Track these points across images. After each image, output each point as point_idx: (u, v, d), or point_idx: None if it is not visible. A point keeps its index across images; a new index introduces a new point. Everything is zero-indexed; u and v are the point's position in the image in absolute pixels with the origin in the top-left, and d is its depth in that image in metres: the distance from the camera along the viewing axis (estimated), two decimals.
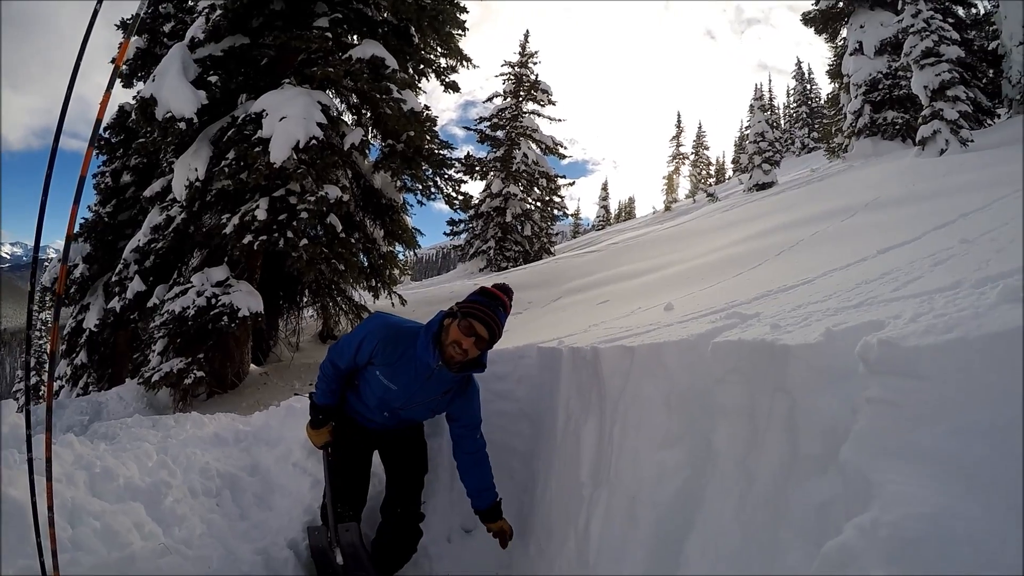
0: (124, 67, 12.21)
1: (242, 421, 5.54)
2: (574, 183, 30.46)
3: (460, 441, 3.41)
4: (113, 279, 12.62)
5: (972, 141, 14.65)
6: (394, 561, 3.65)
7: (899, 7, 17.57)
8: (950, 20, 17.32)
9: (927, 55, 16.03)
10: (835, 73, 25.67)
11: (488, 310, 2.99)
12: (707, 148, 50.85)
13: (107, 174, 16.17)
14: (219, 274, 9.86)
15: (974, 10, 20.41)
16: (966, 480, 0.99)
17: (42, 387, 23.79)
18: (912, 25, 16.52)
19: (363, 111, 11.94)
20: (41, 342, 27.36)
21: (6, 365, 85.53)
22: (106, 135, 16.18)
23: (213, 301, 9.51)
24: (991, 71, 19.11)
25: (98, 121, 2.23)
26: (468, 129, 30.19)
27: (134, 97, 12.03)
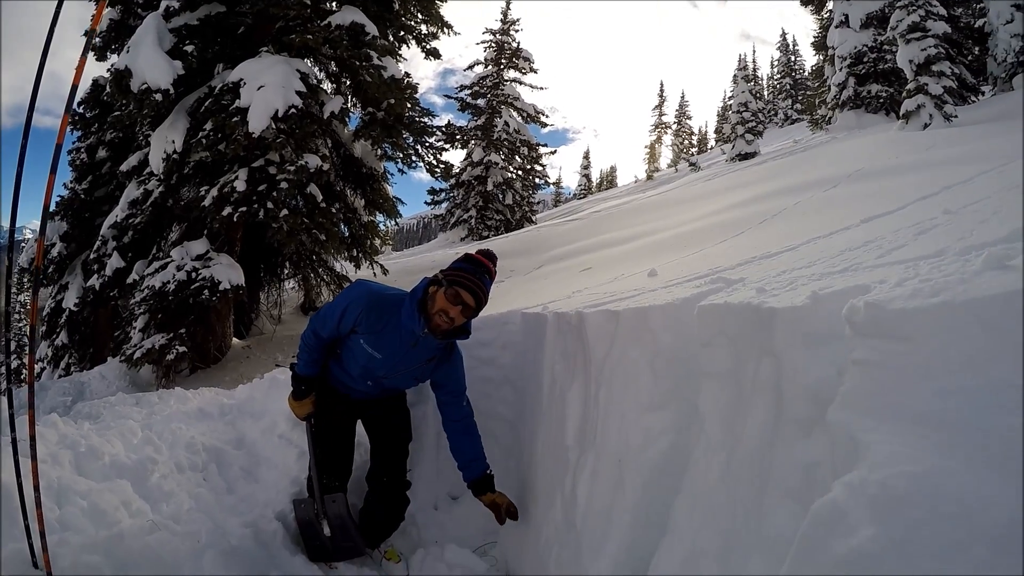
0: (97, 39, 11.94)
1: (226, 395, 5.53)
2: (556, 152, 30.29)
3: (446, 409, 3.41)
4: (91, 256, 12.45)
5: (956, 116, 14.77)
6: (382, 529, 3.67)
7: None
8: None
9: (913, 29, 16.05)
10: (820, 45, 25.70)
11: (474, 277, 2.98)
12: (690, 118, 51.01)
13: (82, 150, 15.89)
14: (199, 247, 9.76)
15: None
16: (952, 438, 1.00)
17: (23, 369, 23.60)
18: None
19: (343, 79, 11.78)
20: (20, 324, 27.04)
21: None
22: (80, 110, 15.88)
23: (193, 275, 9.42)
24: (977, 48, 19.20)
25: (74, 87, 2.18)
26: (448, 97, 29.96)
27: (108, 70, 11.78)
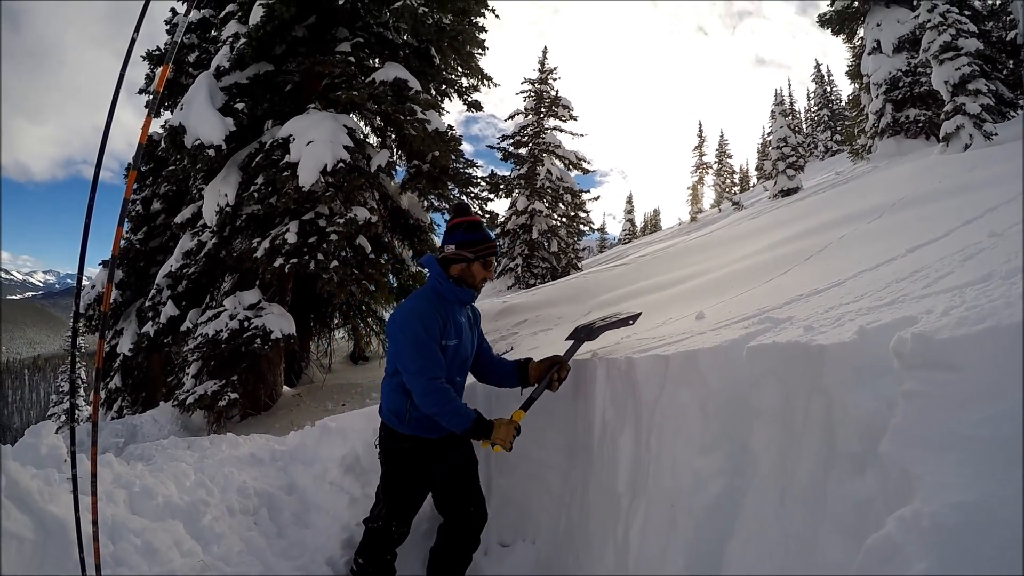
0: (149, 95, 12.50)
1: (277, 441, 5.60)
2: (599, 197, 30.42)
3: (486, 356, 3.64)
4: (146, 304, 12.85)
5: (996, 134, 14.51)
6: (466, 560, 3.66)
7: (915, 3, 17.47)
8: (966, 13, 17.08)
9: (946, 49, 15.89)
10: (854, 73, 25.48)
11: (489, 241, 3.35)
12: (730, 156, 50.71)
13: (137, 202, 16.49)
14: (251, 297, 10.00)
15: (990, 1, 20.14)
16: (1002, 465, 1.00)
17: (77, 410, 24.24)
18: (929, 20, 16.40)
19: (388, 133, 12.07)
20: (76, 366, 27.83)
21: (40, 390, 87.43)
22: (138, 166, 16.50)
23: (246, 324, 9.64)
24: (1011, 62, 18.87)
25: (140, 146, 2.32)
26: (491, 148, 30.18)
27: (162, 126, 12.32)
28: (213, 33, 12.92)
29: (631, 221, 57.82)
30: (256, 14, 9.93)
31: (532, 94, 29.93)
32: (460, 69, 12.89)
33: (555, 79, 30.15)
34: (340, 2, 10.77)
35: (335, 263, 9.68)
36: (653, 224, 67.23)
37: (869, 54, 21.99)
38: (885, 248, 4.73)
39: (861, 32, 23.96)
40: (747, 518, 1.94)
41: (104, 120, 2.30)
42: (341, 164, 9.41)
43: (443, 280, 3.28)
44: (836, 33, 25.39)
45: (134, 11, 2.36)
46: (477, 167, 12.39)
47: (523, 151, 29.13)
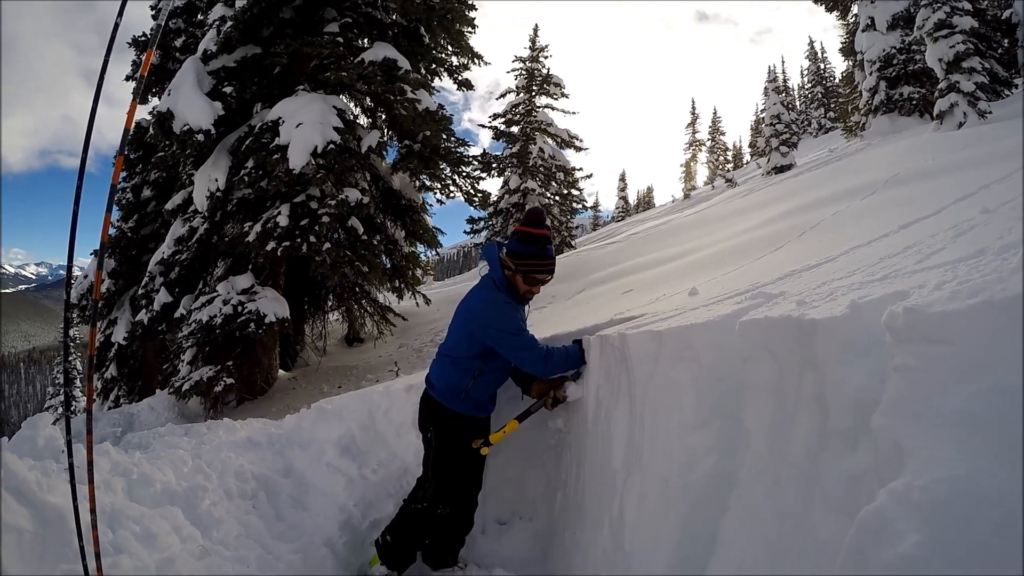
0: (135, 81, 12.36)
1: (274, 425, 5.60)
2: (592, 175, 30.23)
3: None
4: (139, 292, 12.82)
5: (990, 112, 14.48)
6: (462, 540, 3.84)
7: None
8: None
9: (940, 27, 15.82)
10: (848, 51, 25.39)
11: (544, 260, 3.41)
12: (723, 134, 50.41)
13: (127, 190, 16.40)
14: (244, 282, 9.98)
15: None
16: (995, 441, 1.00)
17: (72, 401, 24.29)
18: None
19: (378, 113, 12.00)
20: (71, 358, 27.87)
21: (36, 383, 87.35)
22: (124, 152, 16.38)
23: (239, 309, 9.63)
24: (1006, 40, 18.77)
25: (126, 131, 2.30)
26: (483, 126, 29.92)
27: (150, 112, 12.21)
28: (199, 17, 12.79)
29: (624, 199, 57.62)
30: None
31: (523, 72, 29.59)
32: (450, 48, 12.80)
33: (547, 56, 29.79)
34: None
35: (327, 245, 9.67)
36: (646, 202, 67.11)
37: (863, 31, 21.87)
38: (878, 224, 4.75)
39: (855, 9, 23.81)
40: (740, 494, 1.96)
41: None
42: (331, 145, 9.36)
43: (499, 277, 3.46)
44: (830, 10, 25.25)
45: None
46: (468, 146, 12.32)
47: (515, 129, 28.87)
